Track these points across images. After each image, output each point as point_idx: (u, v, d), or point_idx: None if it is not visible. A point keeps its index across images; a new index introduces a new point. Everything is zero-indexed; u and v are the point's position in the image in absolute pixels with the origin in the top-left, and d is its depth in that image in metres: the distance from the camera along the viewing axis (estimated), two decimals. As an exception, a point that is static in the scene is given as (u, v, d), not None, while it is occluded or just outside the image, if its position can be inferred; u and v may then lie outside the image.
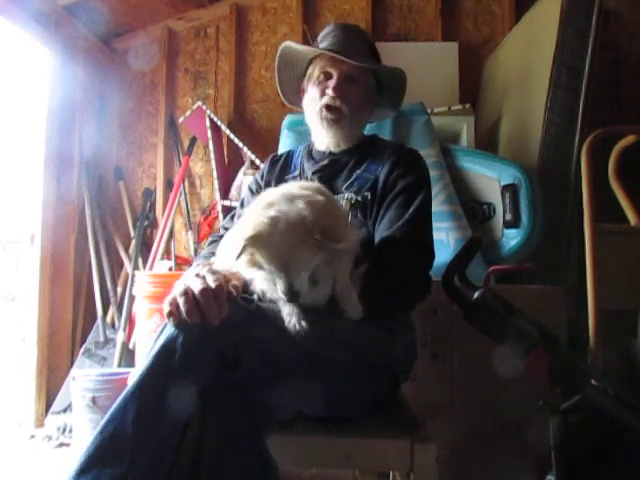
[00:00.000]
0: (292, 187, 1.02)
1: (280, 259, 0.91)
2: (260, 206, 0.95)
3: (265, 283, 0.98)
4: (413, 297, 1.20)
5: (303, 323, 0.93)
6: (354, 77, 1.29)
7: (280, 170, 1.40)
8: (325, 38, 1.35)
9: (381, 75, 1.36)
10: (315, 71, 1.32)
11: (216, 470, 0.83)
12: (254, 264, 0.93)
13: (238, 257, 0.90)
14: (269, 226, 0.90)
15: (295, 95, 1.45)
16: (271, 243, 0.90)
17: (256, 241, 0.90)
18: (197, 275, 0.90)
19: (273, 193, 0.99)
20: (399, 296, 1.13)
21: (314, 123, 1.33)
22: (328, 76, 1.30)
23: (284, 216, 0.91)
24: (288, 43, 1.38)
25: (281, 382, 0.92)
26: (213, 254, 1.23)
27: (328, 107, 1.28)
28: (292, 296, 0.92)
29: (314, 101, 1.31)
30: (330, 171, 1.30)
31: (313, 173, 1.32)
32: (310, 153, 1.38)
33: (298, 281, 0.92)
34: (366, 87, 1.33)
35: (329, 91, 1.28)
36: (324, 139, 1.32)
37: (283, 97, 1.49)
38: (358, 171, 1.27)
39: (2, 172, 3.22)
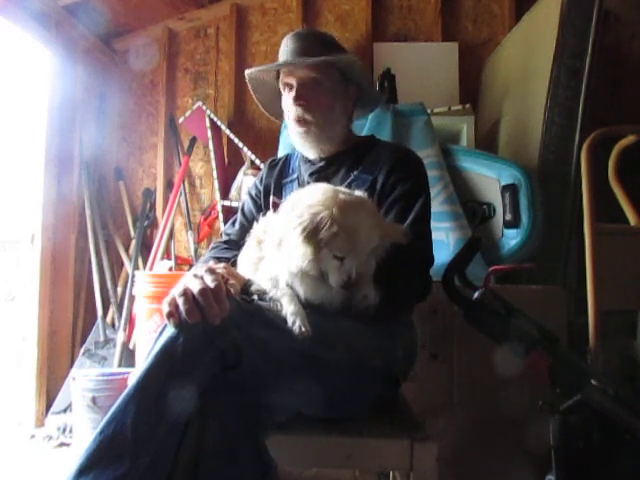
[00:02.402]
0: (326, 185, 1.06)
1: (356, 239, 0.94)
2: (319, 194, 0.98)
3: (268, 282, 0.99)
4: (413, 300, 1.22)
5: (307, 325, 0.92)
6: (313, 79, 1.27)
7: (278, 174, 1.40)
8: (282, 52, 1.33)
9: (341, 66, 1.31)
10: (280, 85, 1.33)
11: (216, 470, 0.83)
12: (319, 250, 0.93)
13: (325, 241, 0.91)
14: (349, 206, 0.95)
15: (280, 109, 1.41)
16: (351, 221, 0.94)
17: (337, 221, 0.92)
18: (195, 275, 0.90)
19: (318, 187, 1.03)
20: (399, 301, 1.14)
21: (293, 137, 1.34)
22: (290, 87, 1.30)
23: (358, 199, 0.99)
24: (249, 71, 1.38)
25: (281, 382, 0.92)
26: (214, 259, 1.23)
27: (297, 120, 1.28)
28: (348, 282, 0.95)
29: (287, 114, 1.32)
30: (326, 172, 1.31)
31: (310, 175, 1.33)
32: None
33: (353, 267, 0.95)
34: (330, 85, 1.29)
35: (291, 102, 1.28)
36: (306, 150, 1.33)
37: (267, 114, 1.49)
38: (356, 172, 1.27)
39: (3, 172, 3.22)
